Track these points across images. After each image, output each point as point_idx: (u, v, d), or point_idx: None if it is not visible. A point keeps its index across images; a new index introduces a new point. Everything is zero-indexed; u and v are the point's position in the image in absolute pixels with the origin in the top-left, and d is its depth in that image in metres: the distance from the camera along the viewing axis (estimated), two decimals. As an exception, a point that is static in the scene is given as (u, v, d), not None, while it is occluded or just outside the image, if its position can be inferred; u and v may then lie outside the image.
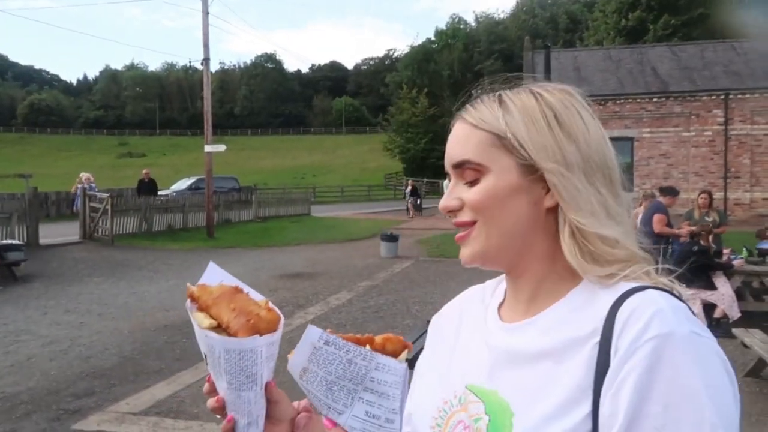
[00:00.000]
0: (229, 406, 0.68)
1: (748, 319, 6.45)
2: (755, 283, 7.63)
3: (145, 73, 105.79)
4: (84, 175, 16.43)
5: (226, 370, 0.66)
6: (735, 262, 7.56)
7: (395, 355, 0.63)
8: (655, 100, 20.62)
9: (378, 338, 0.65)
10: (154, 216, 17.64)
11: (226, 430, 0.69)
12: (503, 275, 0.84)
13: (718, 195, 16.93)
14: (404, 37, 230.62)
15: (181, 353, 6.25)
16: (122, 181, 30.87)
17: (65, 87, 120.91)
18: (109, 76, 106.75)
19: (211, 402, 0.70)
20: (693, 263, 6.77)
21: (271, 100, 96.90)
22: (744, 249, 8.29)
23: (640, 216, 7.87)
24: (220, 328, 0.66)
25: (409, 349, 0.66)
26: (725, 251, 7.74)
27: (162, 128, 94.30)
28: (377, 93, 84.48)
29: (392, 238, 13.90)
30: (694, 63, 21.64)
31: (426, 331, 0.95)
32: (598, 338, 0.66)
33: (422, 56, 63.16)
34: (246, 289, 0.71)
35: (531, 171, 0.74)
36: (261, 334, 0.64)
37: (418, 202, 26.14)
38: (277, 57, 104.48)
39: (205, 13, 18.10)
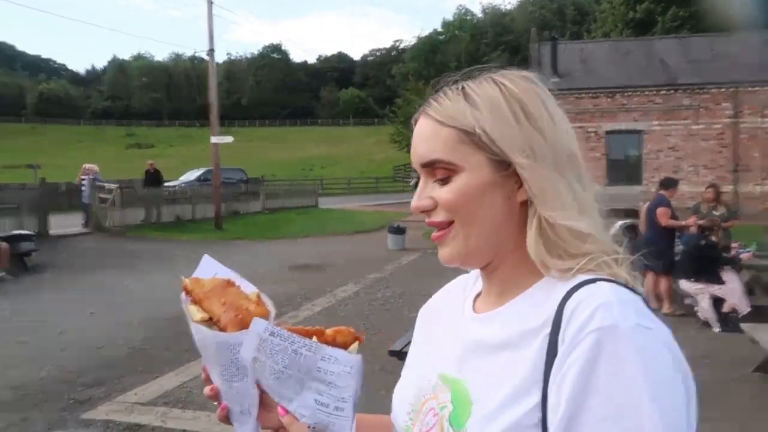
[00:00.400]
0: (223, 395, 0.71)
1: (758, 314, 6.41)
2: (765, 278, 7.60)
3: (152, 63, 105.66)
4: (88, 166, 16.40)
5: (218, 361, 0.68)
6: (743, 256, 7.53)
7: (345, 346, 0.65)
8: (663, 92, 20.43)
9: (329, 330, 0.66)
10: (163, 207, 17.75)
11: (221, 417, 0.72)
12: None
13: (727, 188, 16.81)
14: (411, 28, 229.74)
15: (189, 344, 6.22)
16: (132, 172, 30.91)
17: (73, 77, 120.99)
18: (117, 66, 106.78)
19: (206, 390, 0.73)
20: (701, 257, 6.75)
21: (278, 91, 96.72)
22: (754, 243, 8.25)
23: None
24: (211, 321, 0.68)
25: (360, 341, 0.67)
26: (734, 245, 7.71)
27: (170, 119, 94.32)
28: (384, 84, 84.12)
29: (400, 231, 13.91)
30: (702, 55, 21.40)
31: None
32: (549, 329, 0.67)
33: (429, 47, 62.93)
34: (238, 281, 0.73)
35: (503, 166, 0.73)
36: None
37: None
38: (284, 48, 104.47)
39: (210, 2, 18.08)
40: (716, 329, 6.60)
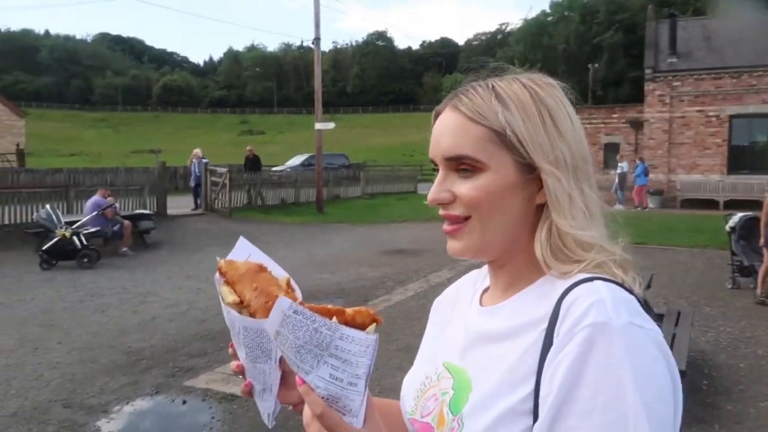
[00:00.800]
0: (247, 372, 0.76)
1: None
2: None
3: (264, 54, 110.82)
4: (196, 151, 17.74)
5: (244, 343, 0.72)
6: None
7: (363, 327, 0.67)
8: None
9: (349, 310, 0.68)
10: (269, 190, 18.63)
11: (245, 392, 0.77)
12: None
13: None
14: (517, 10, 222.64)
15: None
16: (244, 157, 32.64)
17: (193, 68, 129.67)
18: (232, 57, 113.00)
19: (232, 365, 0.77)
20: None
21: (382, 78, 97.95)
22: None
23: None
24: (242, 304, 0.71)
25: (378, 322, 0.69)
26: None
27: (279, 107, 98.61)
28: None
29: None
30: None
31: None
32: (546, 323, 0.70)
33: (536, 30, 60.76)
34: (271, 266, 0.77)
35: (528, 170, 0.75)
36: None
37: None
38: (388, 35, 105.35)
39: (317, -8, 18.53)
40: None
